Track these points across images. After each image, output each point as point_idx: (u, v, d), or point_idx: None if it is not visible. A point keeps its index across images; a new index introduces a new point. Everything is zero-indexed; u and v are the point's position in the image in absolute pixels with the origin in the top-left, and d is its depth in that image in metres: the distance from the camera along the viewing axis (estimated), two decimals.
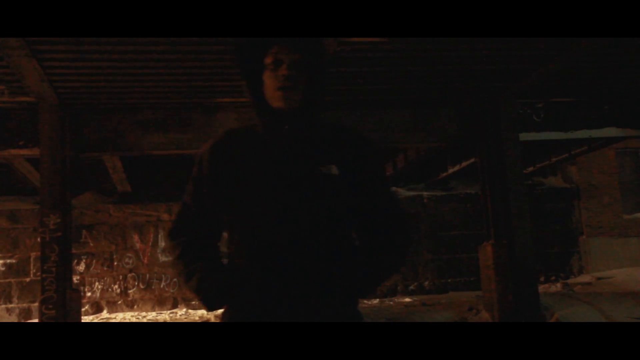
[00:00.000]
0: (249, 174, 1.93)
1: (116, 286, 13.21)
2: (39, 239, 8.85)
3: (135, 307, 13.17)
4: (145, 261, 13.32)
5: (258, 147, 1.96)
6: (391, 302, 12.50)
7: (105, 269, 13.22)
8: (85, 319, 11.86)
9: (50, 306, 7.81)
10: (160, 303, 13.22)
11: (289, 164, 1.91)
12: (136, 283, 13.23)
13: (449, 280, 14.29)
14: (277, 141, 1.94)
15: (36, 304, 10.13)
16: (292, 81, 1.88)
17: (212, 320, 10.31)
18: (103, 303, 13.16)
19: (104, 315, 12.84)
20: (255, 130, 2.01)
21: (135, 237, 13.33)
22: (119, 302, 13.20)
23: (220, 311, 1.99)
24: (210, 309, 1.96)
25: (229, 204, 1.96)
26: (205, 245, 2.05)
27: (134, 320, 11.91)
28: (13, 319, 12.71)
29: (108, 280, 13.21)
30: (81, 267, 13.08)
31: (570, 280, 13.76)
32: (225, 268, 1.99)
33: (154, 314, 12.64)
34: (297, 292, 1.86)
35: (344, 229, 1.97)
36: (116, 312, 13.06)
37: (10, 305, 12.82)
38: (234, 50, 2.02)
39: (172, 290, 13.28)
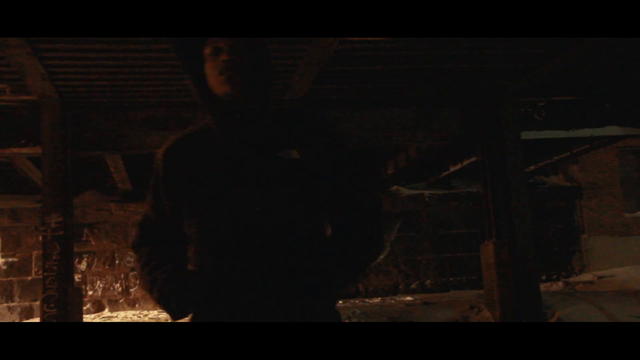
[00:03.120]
0: (206, 175, 1.85)
1: (118, 285, 13.23)
2: (40, 238, 8.87)
3: (136, 305, 13.19)
4: None
5: (212, 145, 1.88)
6: (392, 301, 12.51)
7: (106, 267, 13.23)
8: (87, 317, 11.87)
9: (52, 305, 7.81)
10: None
11: (245, 155, 1.83)
12: (138, 282, 13.23)
13: (451, 279, 14.29)
14: (230, 134, 1.86)
15: (38, 303, 10.14)
16: (233, 64, 1.80)
17: None
18: (105, 302, 13.18)
19: (106, 314, 12.85)
20: (209, 128, 1.92)
21: None
22: (121, 300, 13.21)
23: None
24: (174, 317, 1.85)
25: (190, 210, 1.88)
26: (168, 253, 1.97)
27: (135, 318, 11.91)
28: (14, 317, 12.73)
29: (110, 278, 13.23)
30: (83, 266, 13.09)
31: (572, 279, 13.76)
32: (192, 274, 1.90)
33: (155, 312, 12.64)
34: (270, 294, 1.78)
35: (314, 217, 1.87)
36: (118, 310, 13.08)
37: (11, 304, 12.84)
38: (174, 47, 1.92)
39: None
